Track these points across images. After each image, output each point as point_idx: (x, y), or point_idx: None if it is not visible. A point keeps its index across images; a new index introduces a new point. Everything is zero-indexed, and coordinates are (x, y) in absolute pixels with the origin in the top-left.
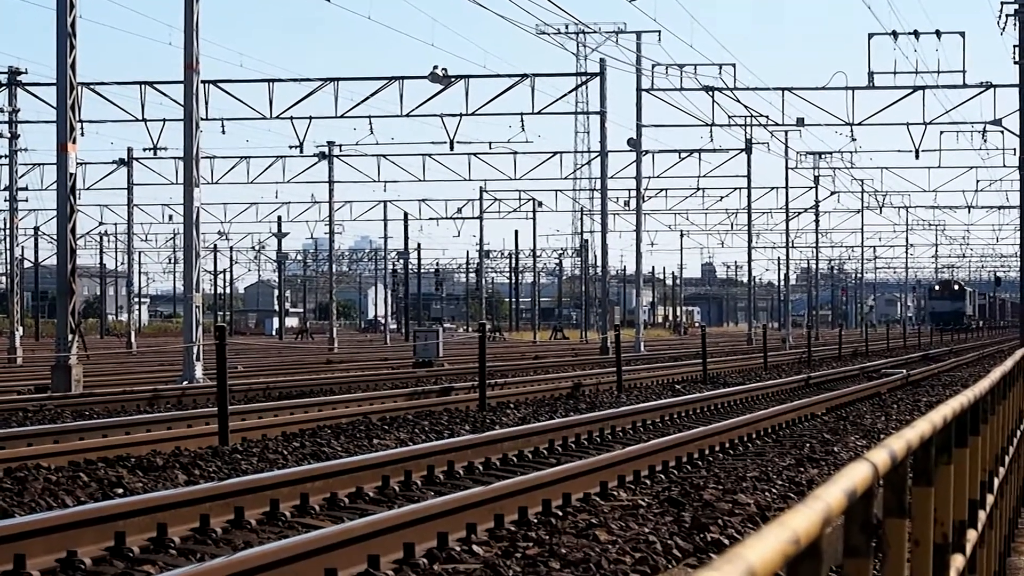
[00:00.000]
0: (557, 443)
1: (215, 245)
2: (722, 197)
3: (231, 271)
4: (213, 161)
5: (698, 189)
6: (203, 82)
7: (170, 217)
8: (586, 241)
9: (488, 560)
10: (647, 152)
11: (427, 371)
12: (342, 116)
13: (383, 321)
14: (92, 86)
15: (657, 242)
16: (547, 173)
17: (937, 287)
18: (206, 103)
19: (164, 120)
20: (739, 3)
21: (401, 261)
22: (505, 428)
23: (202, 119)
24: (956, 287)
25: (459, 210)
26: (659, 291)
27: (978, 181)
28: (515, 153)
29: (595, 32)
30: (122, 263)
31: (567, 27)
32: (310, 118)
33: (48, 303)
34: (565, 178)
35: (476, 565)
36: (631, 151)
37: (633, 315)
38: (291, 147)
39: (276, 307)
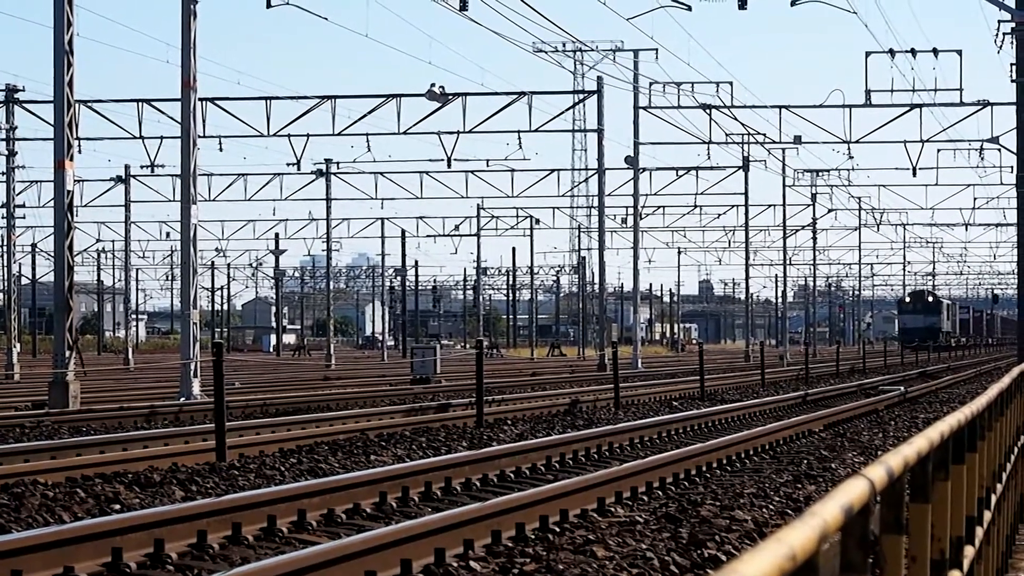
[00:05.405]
0: (555, 459)
1: (212, 262)
2: (719, 214)
3: (228, 288)
4: (210, 178)
5: (695, 206)
6: (200, 99)
7: (167, 234)
8: (583, 258)
9: None
10: (644, 170)
11: (424, 388)
12: (339, 133)
13: (380, 338)
14: (90, 103)
15: (654, 259)
16: (544, 190)
17: (908, 299)
18: (203, 120)
19: (161, 137)
20: (736, 22)
21: (399, 278)
22: (502, 444)
23: (199, 136)
24: (930, 299)
25: (456, 227)
26: (656, 308)
27: (975, 199)
28: (512, 170)
29: (592, 50)
30: (119, 280)
31: (564, 45)
32: (307, 135)
33: (45, 320)
34: (562, 195)
35: None
36: (628, 169)
37: (631, 332)
38: (288, 164)
39: (273, 324)
